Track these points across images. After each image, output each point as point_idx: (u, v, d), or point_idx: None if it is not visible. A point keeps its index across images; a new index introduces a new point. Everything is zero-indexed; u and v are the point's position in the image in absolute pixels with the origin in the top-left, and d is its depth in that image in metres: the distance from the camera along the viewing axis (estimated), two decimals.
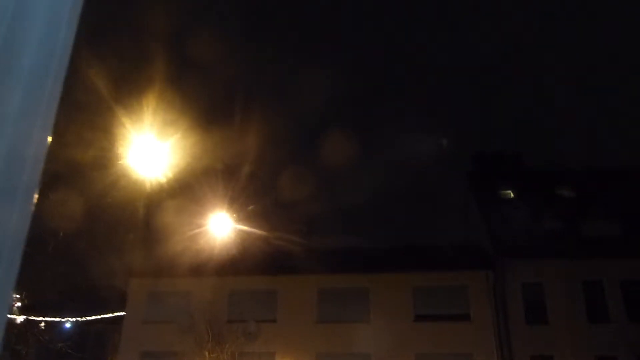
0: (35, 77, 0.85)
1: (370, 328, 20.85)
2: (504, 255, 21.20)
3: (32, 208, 0.89)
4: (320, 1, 47.34)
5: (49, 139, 0.91)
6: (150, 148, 11.73)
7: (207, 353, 20.21)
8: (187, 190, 18.86)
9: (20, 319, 19.14)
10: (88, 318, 25.94)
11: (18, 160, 0.83)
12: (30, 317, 20.17)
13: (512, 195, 25.63)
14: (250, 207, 20.66)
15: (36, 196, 0.89)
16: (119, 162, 11.69)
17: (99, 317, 26.02)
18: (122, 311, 23.87)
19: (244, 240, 21.00)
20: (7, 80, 0.82)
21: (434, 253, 23.12)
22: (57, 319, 24.62)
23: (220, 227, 18.80)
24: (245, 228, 20.55)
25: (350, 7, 50.84)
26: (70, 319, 25.75)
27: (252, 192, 22.26)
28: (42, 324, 22.39)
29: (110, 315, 25.79)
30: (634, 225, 21.73)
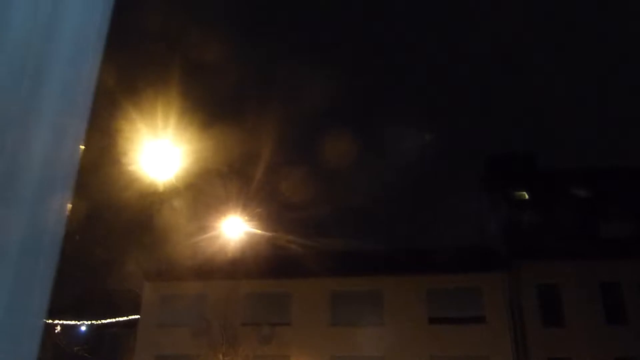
0: (67, 90, 0.88)
1: (385, 331, 20.77)
2: (519, 257, 21.00)
3: (67, 214, 0.92)
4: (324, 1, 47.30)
5: (82, 147, 0.95)
6: (163, 152, 11.85)
7: (221, 356, 20.27)
8: (200, 193, 19.00)
9: None
10: (103, 321, 26.17)
11: (52, 168, 0.86)
12: (46, 321, 20.39)
13: (526, 196, 25.38)
14: (259, 210, 20.73)
15: (70, 205, 0.92)
16: (134, 166, 11.82)
17: (114, 320, 26.24)
18: (137, 314, 24.04)
19: (258, 243, 21.08)
20: (41, 93, 0.85)
21: (448, 255, 22.94)
22: (73, 322, 24.86)
23: (233, 230, 18.91)
24: (258, 231, 20.63)
25: (352, 7, 50.73)
26: (85, 322, 25.99)
27: (265, 194, 22.35)
28: (59, 327, 22.61)
29: (125, 318, 25.99)
30: None
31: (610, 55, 47.13)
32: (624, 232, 21.17)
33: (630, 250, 20.55)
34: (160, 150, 11.83)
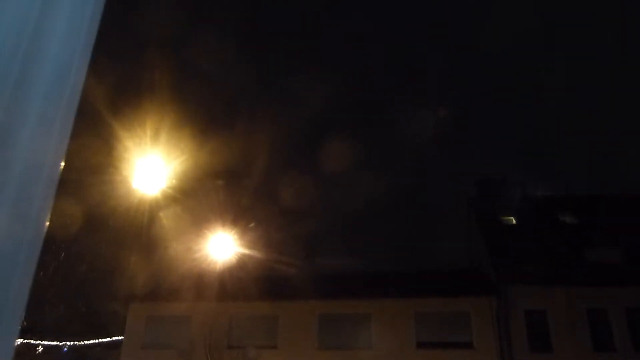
0: (49, 104, 0.85)
1: (372, 355, 20.53)
2: (507, 282, 20.98)
3: (44, 231, 0.88)
4: (319, 5, 47.71)
5: (62, 164, 0.91)
6: (152, 168, 11.75)
7: None
8: (189, 210, 18.87)
9: (17, 342, 18.91)
10: (86, 342, 25.64)
11: (32, 183, 0.82)
12: (28, 341, 19.93)
13: (515, 221, 25.51)
14: (252, 224, 20.62)
15: (47, 223, 0.88)
16: (122, 184, 11.71)
17: (97, 341, 25.72)
18: (121, 335, 23.57)
19: (245, 264, 20.90)
20: (22, 107, 0.82)
21: (437, 278, 22.90)
22: (55, 343, 24.33)
23: (222, 250, 18.74)
24: (246, 251, 20.47)
25: (354, 9, 51.17)
26: (68, 343, 25.45)
27: (254, 212, 22.25)
28: (40, 347, 22.11)
29: (108, 339, 25.50)
30: (637, 251, 21.54)
31: (606, 82, 47.98)
32: (611, 258, 21.27)
33: (617, 277, 20.64)
34: (149, 166, 11.73)
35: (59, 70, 0.88)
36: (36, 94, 0.83)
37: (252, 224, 21.53)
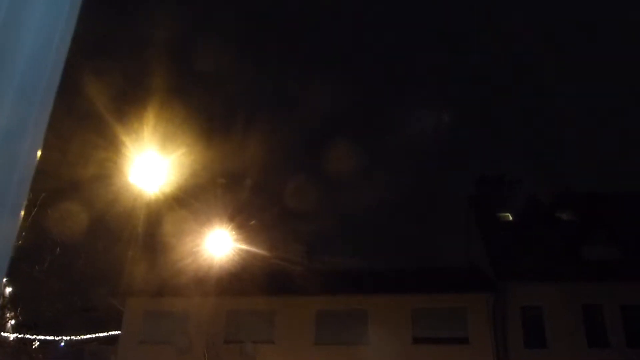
0: (25, 92, 0.83)
1: (369, 350, 20.58)
2: (504, 278, 21.03)
3: (19, 225, 0.86)
4: (321, 10, 47.57)
5: (39, 154, 0.89)
6: (151, 165, 11.72)
7: None
8: (187, 207, 18.85)
9: (13, 336, 18.87)
10: (83, 337, 25.64)
11: (5, 176, 0.81)
12: (24, 336, 19.91)
13: (510, 217, 25.55)
14: (252, 222, 20.62)
15: (22, 213, 0.86)
16: (119, 179, 11.69)
17: (93, 336, 25.71)
18: (118, 330, 23.54)
19: (243, 260, 20.90)
20: None
21: (434, 275, 22.93)
22: (52, 338, 24.33)
23: (219, 246, 18.73)
24: (244, 247, 20.47)
25: (355, 13, 51.03)
26: (65, 338, 25.44)
27: (252, 209, 22.24)
28: (36, 342, 22.09)
29: (105, 334, 25.49)
30: (634, 249, 21.61)
31: (605, 80, 47.99)
32: (606, 255, 21.35)
33: (612, 273, 20.71)
34: (148, 163, 11.69)
35: (34, 58, 0.86)
36: (10, 83, 0.82)
37: (251, 222, 21.54)
